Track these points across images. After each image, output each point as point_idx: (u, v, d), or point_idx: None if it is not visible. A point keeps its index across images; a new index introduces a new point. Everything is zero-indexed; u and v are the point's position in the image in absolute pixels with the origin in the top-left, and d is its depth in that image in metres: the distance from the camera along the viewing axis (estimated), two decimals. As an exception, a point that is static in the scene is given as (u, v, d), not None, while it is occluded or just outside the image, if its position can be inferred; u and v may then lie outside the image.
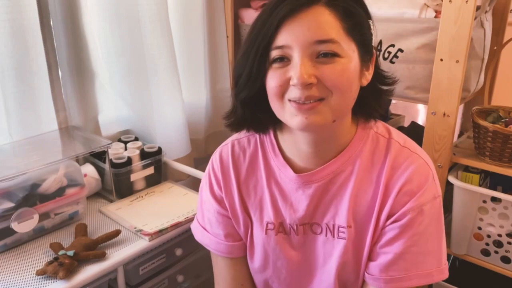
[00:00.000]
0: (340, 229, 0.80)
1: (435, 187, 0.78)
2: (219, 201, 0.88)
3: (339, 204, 0.80)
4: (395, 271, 0.77)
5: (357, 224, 0.79)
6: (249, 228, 0.86)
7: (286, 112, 0.73)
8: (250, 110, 0.80)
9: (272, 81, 0.72)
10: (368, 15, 0.75)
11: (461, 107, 1.45)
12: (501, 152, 1.15)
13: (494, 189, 1.25)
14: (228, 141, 0.90)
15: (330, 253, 0.82)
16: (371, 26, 0.76)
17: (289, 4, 0.69)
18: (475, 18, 1.13)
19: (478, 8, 1.17)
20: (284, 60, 0.71)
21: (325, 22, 0.69)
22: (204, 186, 0.91)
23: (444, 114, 1.19)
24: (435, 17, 1.20)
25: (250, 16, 1.60)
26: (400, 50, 1.25)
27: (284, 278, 0.87)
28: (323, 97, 0.70)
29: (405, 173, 0.77)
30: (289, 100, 0.71)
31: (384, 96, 0.81)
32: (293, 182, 0.81)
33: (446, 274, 0.79)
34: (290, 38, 0.69)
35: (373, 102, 0.80)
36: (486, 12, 1.24)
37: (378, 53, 1.28)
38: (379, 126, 0.83)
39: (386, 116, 1.64)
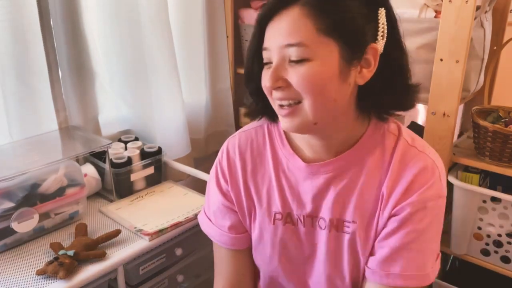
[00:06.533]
0: (346, 223, 0.80)
1: (440, 186, 0.77)
2: (224, 193, 0.89)
3: (346, 199, 0.79)
4: (393, 266, 0.75)
5: (362, 221, 0.79)
6: (255, 220, 0.87)
7: (276, 112, 0.77)
8: (261, 101, 0.83)
9: (262, 81, 0.75)
10: (368, 7, 0.70)
11: (461, 107, 1.45)
12: (501, 152, 1.15)
13: (494, 189, 1.25)
14: (236, 133, 0.91)
15: (334, 248, 0.81)
16: (368, 17, 0.70)
17: (268, 5, 0.72)
18: (475, 18, 1.13)
19: (478, 8, 1.17)
20: (270, 63, 0.73)
21: (296, 25, 0.68)
22: (211, 178, 0.92)
23: (444, 114, 1.19)
24: (435, 17, 1.20)
25: (250, 16, 1.60)
26: (400, 50, 1.25)
27: (288, 268, 0.87)
28: (298, 99, 0.72)
29: (411, 171, 0.75)
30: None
31: (386, 95, 0.76)
32: (302, 171, 0.82)
33: (435, 274, 0.78)
34: (270, 41, 0.72)
35: (381, 99, 0.76)
36: (486, 12, 1.24)
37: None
38: (391, 124, 0.82)
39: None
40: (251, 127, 0.90)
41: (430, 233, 0.76)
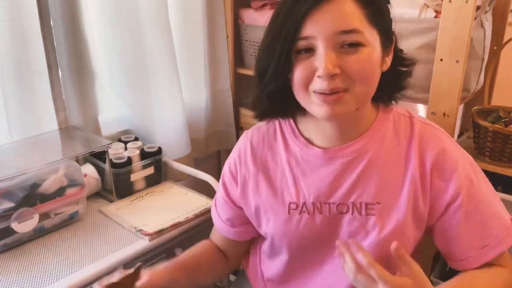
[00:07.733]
0: (369, 206, 0.81)
1: (463, 154, 0.83)
2: (226, 188, 0.94)
3: (366, 182, 0.81)
4: (485, 241, 0.79)
5: (386, 201, 0.80)
6: (266, 213, 0.88)
7: (312, 103, 0.75)
8: (276, 101, 0.82)
9: (298, 72, 0.74)
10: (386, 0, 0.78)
11: (461, 107, 1.45)
12: (501, 152, 1.15)
13: (494, 189, 1.25)
14: (250, 129, 0.94)
15: (357, 232, 0.81)
16: (390, 11, 0.78)
17: None
18: (475, 18, 1.13)
19: (478, 8, 1.17)
20: (310, 51, 0.72)
21: (348, 12, 0.70)
22: (223, 169, 0.96)
23: (444, 114, 1.19)
24: (435, 17, 1.20)
25: (250, 16, 1.60)
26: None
27: (304, 256, 0.87)
28: (346, 87, 0.72)
29: (436, 148, 0.80)
30: (314, 92, 0.73)
31: (403, 78, 0.83)
32: (318, 158, 0.83)
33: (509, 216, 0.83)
34: (315, 29, 0.70)
35: (392, 85, 0.82)
36: (486, 12, 1.24)
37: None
38: (397, 106, 0.87)
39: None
40: (263, 123, 0.92)
41: (487, 193, 0.81)
